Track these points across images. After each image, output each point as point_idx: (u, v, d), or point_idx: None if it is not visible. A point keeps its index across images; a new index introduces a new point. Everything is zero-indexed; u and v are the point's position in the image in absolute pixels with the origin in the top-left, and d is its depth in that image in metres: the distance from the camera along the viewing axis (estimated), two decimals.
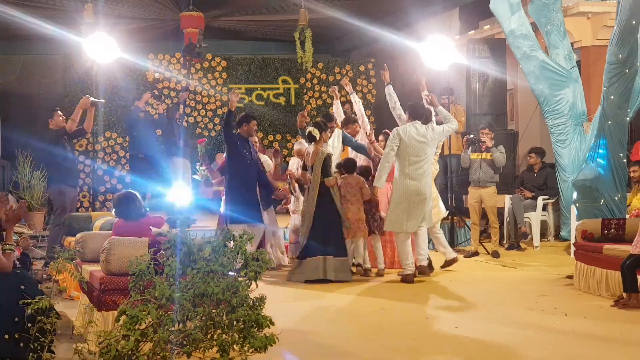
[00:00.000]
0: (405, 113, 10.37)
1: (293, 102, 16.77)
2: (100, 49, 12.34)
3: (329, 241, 9.82)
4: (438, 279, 9.95)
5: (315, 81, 16.82)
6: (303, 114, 10.90)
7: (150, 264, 5.19)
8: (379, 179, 9.92)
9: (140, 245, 6.63)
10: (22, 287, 5.71)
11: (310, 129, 10.16)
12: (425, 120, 10.04)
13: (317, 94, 16.78)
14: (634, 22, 9.78)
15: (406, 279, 9.72)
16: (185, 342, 4.97)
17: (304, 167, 10.16)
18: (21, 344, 5.16)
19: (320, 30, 15.54)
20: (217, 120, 16.42)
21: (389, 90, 10.79)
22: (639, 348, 6.52)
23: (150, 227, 7.41)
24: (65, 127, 10.84)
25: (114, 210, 8.08)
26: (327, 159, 9.95)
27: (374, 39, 17.00)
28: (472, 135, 12.32)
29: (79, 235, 7.85)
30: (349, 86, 11.78)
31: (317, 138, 10.01)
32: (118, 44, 12.57)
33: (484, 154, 11.75)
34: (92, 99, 10.81)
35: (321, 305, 8.48)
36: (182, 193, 13.43)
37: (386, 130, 10.80)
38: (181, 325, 4.99)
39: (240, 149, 10.29)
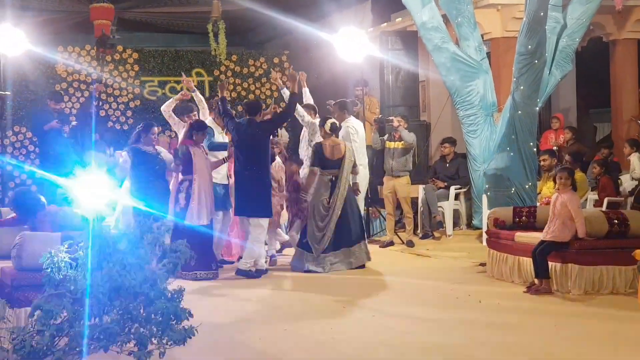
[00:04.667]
0: (341, 110, 11.10)
1: (207, 94, 16.61)
2: (8, 41, 12.05)
3: (350, 232, 10.01)
4: (354, 270, 10.01)
5: (229, 74, 16.69)
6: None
7: (64, 257, 5.09)
8: None
9: (53, 239, 6.49)
10: None
11: (332, 120, 10.26)
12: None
13: (231, 87, 16.67)
14: (542, 13, 10.01)
15: None
16: (102, 337, 4.88)
17: (316, 163, 10.11)
18: None
19: (233, 22, 15.45)
20: (129, 113, 16.16)
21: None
22: (549, 331, 6.71)
23: None
24: None
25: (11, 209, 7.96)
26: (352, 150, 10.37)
27: (288, 30, 16.99)
28: (380, 116, 12.58)
29: None
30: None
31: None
32: (26, 37, 12.29)
33: (396, 142, 11.86)
34: None
35: (241, 297, 8.49)
36: (94, 187, 13.25)
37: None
38: (97, 319, 4.90)
39: None
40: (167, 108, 10.68)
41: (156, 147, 10.19)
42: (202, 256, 9.23)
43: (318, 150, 10.10)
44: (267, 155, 9.88)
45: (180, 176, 9.65)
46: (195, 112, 10.61)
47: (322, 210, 9.94)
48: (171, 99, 10.98)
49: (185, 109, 10.73)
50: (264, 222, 9.74)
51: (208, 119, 10.60)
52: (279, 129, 12.96)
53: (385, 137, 12.04)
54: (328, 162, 10.03)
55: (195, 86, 11.20)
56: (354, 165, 10.25)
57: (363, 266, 10.08)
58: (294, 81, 10.10)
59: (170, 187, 10.11)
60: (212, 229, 9.71)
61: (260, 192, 9.66)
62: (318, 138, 10.70)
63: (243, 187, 9.73)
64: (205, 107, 10.86)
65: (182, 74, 11.64)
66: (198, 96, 10.87)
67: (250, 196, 9.65)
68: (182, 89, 13.56)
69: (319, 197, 10.00)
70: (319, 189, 10.02)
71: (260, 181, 9.67)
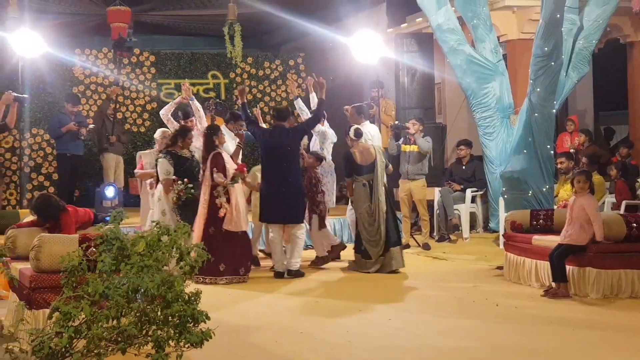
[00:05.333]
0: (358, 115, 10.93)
1: (223, 96, 16.66)
2: (26, 44, 12.13)
3: (388, 234, 9.99)
4: (370, 274, 9.97)
5: (245, 76, 16.76)
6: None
7: (82, 260, 5.11)
8: None
9: (71, 241, 6.52)
10: None
11: (355, 126, 10.34)
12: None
13: (247, 89, 16.74)
14: (558, 15, 9.99)
15: None
16: (119, 339, 4.91)
17: (351, 171, 10.12)
18: None
19: (249, 25, 15.46)
20: (146, 115, 16.24)
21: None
22: (566, 335, 6.68)
23: None
24: None
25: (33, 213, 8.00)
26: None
27: (303, 33, 17.00)
28: (397, 122, 12.53)
29: (9, 232, 7.65)
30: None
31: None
32: (44, 40, 12.36)
33: (412, 146, 11.85)
34: (14, 94, 10.59)
35: (257, 300, 8.48)
36: (112, 189, 13.32)
37: None
38: (115, 321, 4.93)
39: None
40: (166, 112, 10.90)
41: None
42: (233, 262, 9.26)
43: (349, 158, 10.10)
44: (297, 161, 9.95)
45: (209, 180, 9.45)
46: (192, 118, 10.72)
47: (368, 217, 9.96)
48: (170, 103, 11.15)
49: (187, 113, 10.84)
50: (303, 226, 9.95)
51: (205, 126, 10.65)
52: None
53: (401, 140, 12.02)
54: (362, 168, 10.04)
55: (210, 89, 11.25)
56: (386, 165, 10.31)
57: (397, 270, 10.01)
58: (322, 88, 10.09)
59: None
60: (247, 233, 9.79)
61: (296, 199, 9.76)
62: (329, 145, 10.77)
63: (275, 194, 9.68)
64: (202, 116, 10.93)
65: (185, 82, 11.70)
66: (195, 104, 10.92)
67: (285, 203, 9.68)
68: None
69: (361, 205, 10.02)
70: (359, 197, 10.04)
71: (294, 188, 9.72)
